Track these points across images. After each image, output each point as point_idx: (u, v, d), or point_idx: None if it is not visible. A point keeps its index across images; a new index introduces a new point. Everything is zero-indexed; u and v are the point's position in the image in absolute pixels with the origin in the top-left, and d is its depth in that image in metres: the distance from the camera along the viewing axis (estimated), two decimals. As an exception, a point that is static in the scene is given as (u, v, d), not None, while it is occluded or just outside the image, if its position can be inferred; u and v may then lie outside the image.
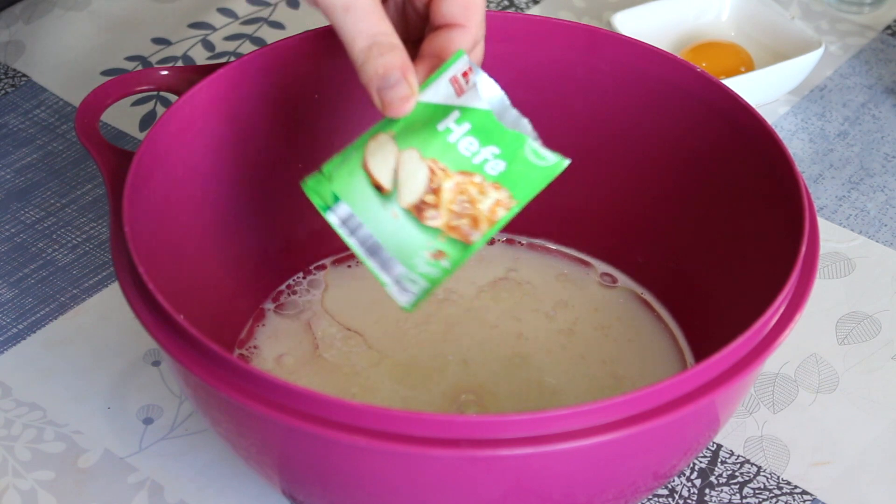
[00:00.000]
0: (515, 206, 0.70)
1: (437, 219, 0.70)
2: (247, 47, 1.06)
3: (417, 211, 0.70)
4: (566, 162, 0.71)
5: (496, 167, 0.70)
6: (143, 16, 1.10)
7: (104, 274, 0.91)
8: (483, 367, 0.82)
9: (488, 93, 0.71)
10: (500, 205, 0.70)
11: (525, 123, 0.71)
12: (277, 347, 0.83)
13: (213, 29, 1.08)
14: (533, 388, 0.81)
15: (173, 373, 0.77)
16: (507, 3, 1.11)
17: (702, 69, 0.82)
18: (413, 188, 0.70)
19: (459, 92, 0.71)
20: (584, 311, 0.85)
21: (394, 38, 0.71)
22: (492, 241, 0.89)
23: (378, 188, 0.70)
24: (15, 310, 0.89)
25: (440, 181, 0.69)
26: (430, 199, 0.70)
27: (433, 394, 0.80)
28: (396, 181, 0.70)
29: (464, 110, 0.71)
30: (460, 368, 0.81)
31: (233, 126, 0.81)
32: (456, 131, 0.70)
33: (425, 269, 0.70)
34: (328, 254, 0.88)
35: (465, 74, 0.71)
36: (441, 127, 0.70)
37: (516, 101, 0.75)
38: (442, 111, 0.71)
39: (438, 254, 0.70)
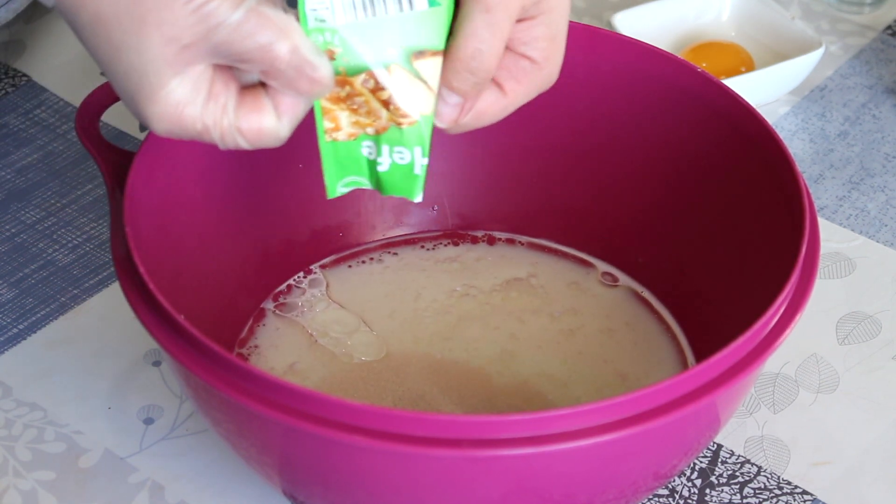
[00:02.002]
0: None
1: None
2: (247, 47, 1.06)
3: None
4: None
5: (384, 160, 0.70)
6: (143, 16, 1.09)
7: (104, 274, 0.91)
8: (474, 367, 0.82)
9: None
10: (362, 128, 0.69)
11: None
12: (283, 351, 0.83)
13: (214, 29, 1.08)
14: (544, 382, 0.81)
15: (174, 373, 0.77)
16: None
17: (702, 69, 0.82)
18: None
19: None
20: (591, 317, 0.85)
21: None
22: (491, 241, 0.89)
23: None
24: (15, 310, 0.89)
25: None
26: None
27: (426, 389, 0.80)
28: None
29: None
30: (453, 367, 0.82)
31: (233, 126, 0.81)
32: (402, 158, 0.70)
33: None
34: (328, 253, 0.88)
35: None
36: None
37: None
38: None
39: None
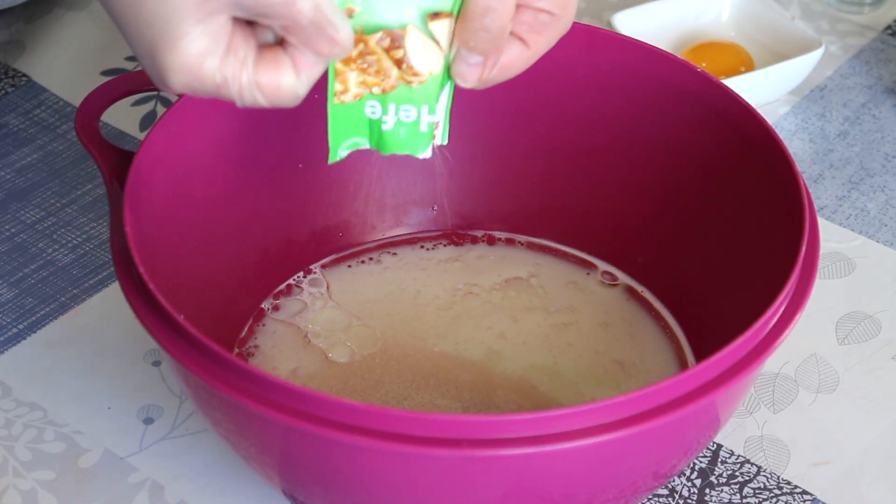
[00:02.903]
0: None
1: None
2: (247, 47, 1.06)
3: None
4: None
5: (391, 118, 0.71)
6: (143, 16, 1.09)
7: (104, 274, 0.91)
8: (471, 363, 0.82)
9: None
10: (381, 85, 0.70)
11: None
12: (283, 351, 0.83)
13: (214, 29, 1.08)
14: (540, 375, 0.81)
15: (174, 373, 0.77)
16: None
17: (702, 69, 0.82)
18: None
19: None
20: (588, 314, 0.85)
21: None
22: (491, 241, 0.89)
23: None
24: (15, 310, 0.89)
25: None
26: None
27: (417, 386, 0.81)
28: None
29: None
30: (450, 363, 0.82)
31: (233, 126, 0.82)
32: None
33: None
34: (328, 253, 0.88)
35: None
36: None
37: (516, 101, 0.76)
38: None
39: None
